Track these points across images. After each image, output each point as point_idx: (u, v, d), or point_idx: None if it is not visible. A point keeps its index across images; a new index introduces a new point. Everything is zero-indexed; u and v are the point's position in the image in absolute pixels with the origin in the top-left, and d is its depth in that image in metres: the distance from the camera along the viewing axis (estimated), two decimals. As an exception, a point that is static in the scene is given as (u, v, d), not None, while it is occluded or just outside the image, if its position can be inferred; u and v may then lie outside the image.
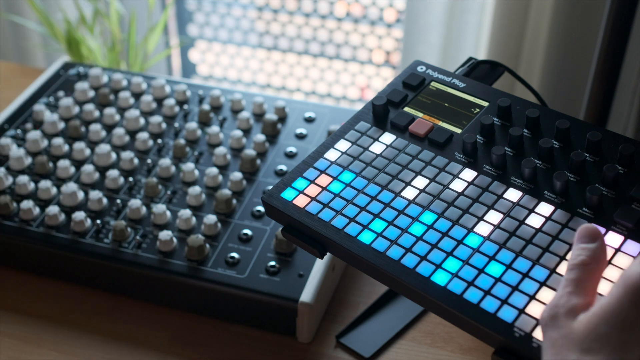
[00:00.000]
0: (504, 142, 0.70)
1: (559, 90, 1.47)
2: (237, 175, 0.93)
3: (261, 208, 0.91)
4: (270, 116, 1.01)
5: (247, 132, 1.02)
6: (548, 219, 0.64)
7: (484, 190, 0.67)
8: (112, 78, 1.11)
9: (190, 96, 1.08)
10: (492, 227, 0.64)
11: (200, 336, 0.85)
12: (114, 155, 0.98)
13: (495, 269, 0.61)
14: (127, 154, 0.96)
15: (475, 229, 0.64)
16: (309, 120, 1.04)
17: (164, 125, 1.03)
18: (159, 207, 0.89)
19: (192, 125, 1.01)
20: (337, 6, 1.98)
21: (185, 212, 0.88)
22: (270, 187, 0.70)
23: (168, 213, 0.90)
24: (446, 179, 0.68)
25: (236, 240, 0.87)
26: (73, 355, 0.83)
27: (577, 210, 0.64)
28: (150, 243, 0.87)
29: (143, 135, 0.99)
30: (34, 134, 1.00)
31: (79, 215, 0.88)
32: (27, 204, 0.90)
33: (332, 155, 0.72)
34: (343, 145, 0.73)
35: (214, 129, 1.00)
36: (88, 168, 0.95)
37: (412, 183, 0.68)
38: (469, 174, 0.68)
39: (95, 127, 1.01)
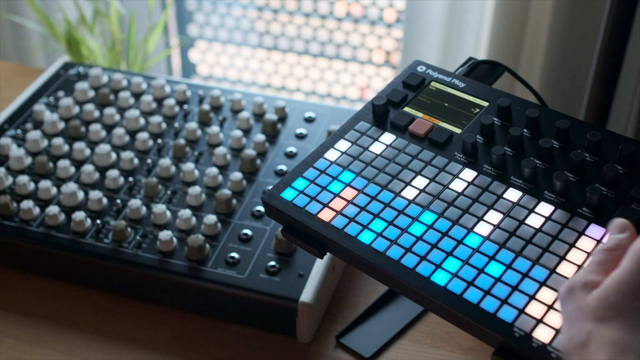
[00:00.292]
0: (504, 142, 0.70)
1: (559, 90, 1.47)
2: (237, 175, 0.93)
3: (261, 208, 0.91)
4: (270, 116, 1.01)
5: (247, 132, 1.02)
6: (548, 219, 0.64)
7: (484, 190, 0.67)
8: (112, 78, 1.11)
9: (190, 96, 1.08)
10: (492, 227, 0.64)
11: (200, 336, 0.85)
12: (114, 155, 0.98)
13: (495, 269, 0.61)
14: (127, 154, 0.96)
15: (475, 229, 0.64)
16: (309, 120, 1.04)
17: (164, 125, 1.03)
18: (159, 207, 0.89)
19: (192, 125, 1.01)
20: (337, 6, 1.98)
21: (185, 212, 0.88)
22: (270, 187, 0.70)
23: (168, 213, 0.90)
24: (446, 179, 0.68)
25: (236, 240, 0.87)
26: (73, 355, 0.83)
27: (577, 210, 0.64)
28: (150, 243, 0.87)
29: (143, 135, 0.99)
30: (34, 134, 1.00)
31: (79, 215, 0.88)
32: (27, 204, 0.90)
33: (332, 155, 0.72)
34: (343, 145, 0.73)
35: (214, 129, 1.00)
36: (88, 168, 0.95)
37: (412, 183, 0.68)
38: (469, 174, 0.68)
39: (95, 127, 1.01)
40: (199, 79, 2.21)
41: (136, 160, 0.98)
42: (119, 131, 1.00)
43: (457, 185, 0.68)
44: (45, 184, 0.93)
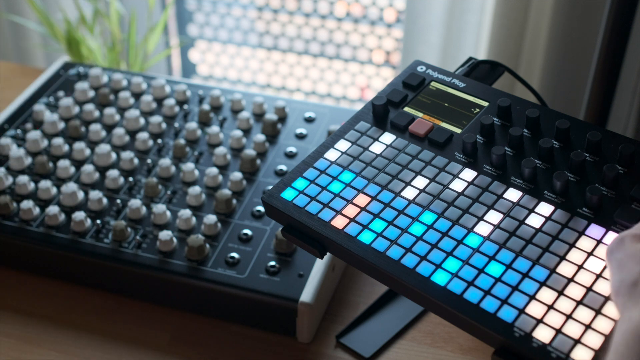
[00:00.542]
0: (504, 142, 0.70)
1: (559, 90, 1.47)
2: (237, 175, 0.93)
3: (261, 208, 0.91)
4: (270, 116, 1.01)
5: (247, 132, 1.02)
6: (548, 219, 0.64)
7: (484, 190, 0.67)
8: (112, 78, 1.11)
9: (190, 96, 1.08)
10: (492, 227, 0.64)
11: (200, 336, 0.85)
12: (114, 155, 0.98)
13: (495, 268, 0.61)
14: (127, 154, 0.96)
15: (475, 229, 0.64)
16: (309, 120, 1.04)
17: (164, 125, 1.03)
18: (159, 207, 0.89)
19: (192, 125, 1.01)
20: (337, 6, 1.98)
21: (185, 212, 0.88)
22: (270, 187, 0.70)
23: (168, 213, 0.90)
24: (446, 179, 0.68)
25: (236, 240, 0.87)
26: (73, 355, 0.83)
27: (577, 210, 0.64)
28: (150, 243, 0.87)
29: (143, 135, 0.99)
30: (34, 134, 1.00)
31: (79, 215, 0.88)
32: (27, 204, 0.90)
33: (332, 155, 0.72)
34: (343, 145, 0.73)
35: (214, 129, 1.00)
36: (88, 168, 0.95)
37: (412, 183, 0.68)
38: (469, 174, 0.68)
39: (95, 127, 1.01)
40: (199, 79, 2.21)
41: (136, 160, 0.98)
42: (119, 131, 1.00)
43: (457, 185, 0.68)
44: (45, 184, 0.93)
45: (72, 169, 0.97)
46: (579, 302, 0.58)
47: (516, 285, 0.59)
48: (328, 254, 0.68)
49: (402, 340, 0.85)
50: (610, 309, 0.57)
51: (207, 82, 1.63)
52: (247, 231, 0.88)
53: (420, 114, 0.74)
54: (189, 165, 0.94)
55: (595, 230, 0.62)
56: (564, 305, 0.58)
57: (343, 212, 0.67)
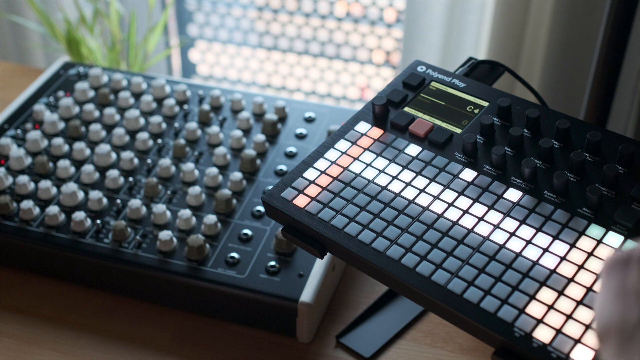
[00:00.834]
0: (504, 142, 0.70)
1: (559, 90, 1.47)
2: (237, 175, 0.93)
3: (261, 208, 0.91)
4: (270, 116, 1.01)
5: (247, 132, 1.02)
6: (548, 218, 0.64)
7: (484, 190, 0.67)
8: (112, 78, 1.11)
9: (190, 96, 1.08)
10: (492, 227, 0.64)
11: (200, 336, 0.85)
12: (114, 155, 0.98)
13: (495, 268, 0.61)
14: (127, 154, 0.96)
15: (475, 229, 0.64)
16: (309, 120, 1.04)
17: (164, 125, 1.03)
18: (159, 207, 0.89)
19: (192, 125, 1.01)
20: (337, 6, 1.98)
21: (185, 212, 0.88)
22: (270, 187, 0.70)
23: (168, 213, 0.90)
24: (446, 179, 0.68)
25: (236, 240, 0.87)
26: (73, 355, 0.83)
27: (577, 210, 0.64)
28: (150, 243, 0.87)
29: (143, 135, 0.99)
30: (34, 134, 1.00)
31: (79, 215, 0.88)
32: (27, 204, 0.90)
33: (332, 155, 0.72)
34: (343, 145, 0.73)
35: (214, 129, 1.00)
36: (88, 168, 0.95)
37: (412, 183, 0.68)
38: (469, 174, 0.68)
39: (95, 127, 1.01)
40: (199, 79, 2.21)
41: (136, 160, 0.98)
42: (119, 131, 1.00)
43: (457, 185, 0.68)
44: (45, 184, 0.93)
45: (72, 169, 0.97)
46: (579, 302, 0.58)
47: (516, 285, 0.59)
48: (328, 254, 0.68)
49: (402, 340, 0.85)
50: (610, 309, 0.57)
51: (207, 82, 1.63)
52: (247, 231, 0.88)
53: (420, 114, 0.74)
54: (189, 165, 0.94)
55: (595, 230, 0.62)
56: (564, 305, 0.58)
57: (343, 212, 0.67)
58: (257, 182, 0.94)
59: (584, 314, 0.57)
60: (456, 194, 0.67)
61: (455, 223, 0.65)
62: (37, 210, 0.91)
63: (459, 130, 0.72)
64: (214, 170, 0.93)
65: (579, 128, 0.70)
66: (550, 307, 0.58)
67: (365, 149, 0.72)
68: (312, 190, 0.69)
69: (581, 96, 1.38)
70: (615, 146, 0.67)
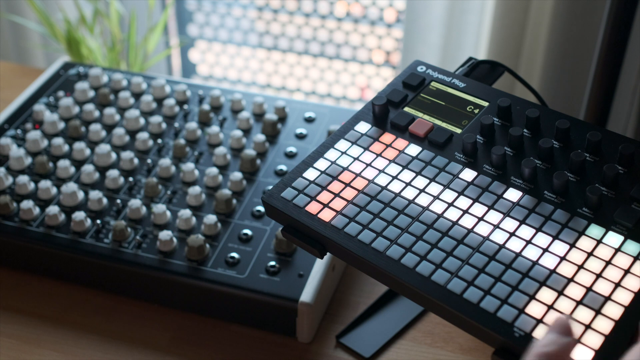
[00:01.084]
0: (504, 142, 0.70)
1: (559, 90, 1.47)
2: (237, 175, 0.93)
3: (261, 208, 0.91)
4: (270, 116, 1.01)
5: (247, 132, 1.02)
6: (548, 218, 0.64)
7: (484, 190, 0.67)
8: (112, 78, 1.11)
9: (190, 96, 1.08)
10: (492, 227, 0.64)
11: (200, 336, 0.85)
12: (114, 155, 0.98)
13: (495, 268, 0.61)
14: (127, 154, 0.96)
15: (475, 229, 0.64)
16: (309, 120, 1.04)
17: (164, 125, 1.03)
18: (159, 207, 0.89)
19: (192, 125, 1.01)
20: (337, 6, 1.98)
21: (185, 212, 0.88)
22: (270, 187, 0.70)
23: (168, 213, 0.90)
24: (446, 179, 0.68)
25: (236, 240, 0.87)
26: (73, 355, 0.83)
27: (577, 210, 0.64)
28: (150, 243, 0.87)
29: (143, 135, 0.99)
30: (34, 134, 1.00)
31: (79, 215, 0.88)
32: (27, 204, 0.90)
33: (332, 155, 0.72)
34: (343, 145, 0.73)
35: (214, 129, 1.00)
36: (88, 168, 0.95)
37: (412, 183, 0.68)
38: (469, 174, 0.68)
39: (95, 127, 1.01)
40: (199, 79, 2.21)
41: (136, 160, 0.98)
42: (119, 131, 1.00)
43: (457, 185, 0.68)
44: (45, 184, 0.93)
45: (72, 169, 0.97)
46: (579, 302, 0.58)
47: (516, 285, 0.59)
48: (328, 254, 0.68)
49: (402, 340, 0.85)
50: (610, 308, 0.57)
51: (207, 82, 1.63)
52: (247, 231, 0.88)
53: (420, 114, 0.74)
54: (189, 165, 0.94)
55: (595, 230, 0.62)
56: (564, 305, 0.58)
57: (343, 212, 0.67)
58: (257, 182, 0.94)
59: (584, 314, 0.57)
60: (456, 194, 0.67)
61: (455, 223, 0.65)
62: (37, 210, 0.91)
63: (459, 130, 0.72)
64: (214, 170, 0.93)
65: (579, 128, 0.70)
66: (550, 307, 0.58)
67: (365, 149, 0.72)
68: (312, 190, 0.69)
69: (581, 96, 1.38)
70: (615, 146, 0.67)
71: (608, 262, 0.60)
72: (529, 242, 0.62)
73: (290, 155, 0.98)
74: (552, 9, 1.39)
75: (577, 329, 0.56)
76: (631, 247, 0.60)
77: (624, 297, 0.58)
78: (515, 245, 0.62)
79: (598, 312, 0.57)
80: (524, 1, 1.43)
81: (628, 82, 1.28)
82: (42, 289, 0.90)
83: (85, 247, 0.87)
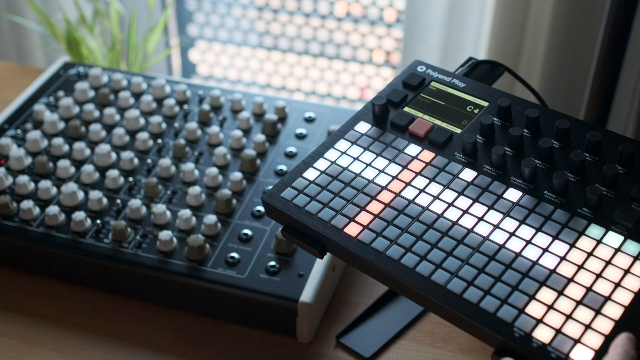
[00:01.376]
0: (504, 142, 0.70)
1: (559, 90, 1.47)
2: (237, 175, 0.93)
3: (261, 208, 0.91)
4: (270, 116, 1.01)
5: (247, 132, 1.02)
6: (548, 218, 0.64)
7: (484, 190, 0.67)
8: (112, 78, 1.11)
9: (190, 96, 1.08)
10: (491, 227, 0.64)
11: (200, 336, 0.85)
12: (114, 155, 0.98)
13: (495, 268, 0.61)
14: (127, 154, 0.96)
15: (475, 229, 0.64)
16: (309, 120, 1.04)
17: (164, 125, 1.03)
18: (159, 207, 0.89)
19: (192, 125, 1.01)
20: (337, 6, 1.98)
21: (185, 212, 0.88)
22: (270, 187, 0.70)
23: (168, 213, 0.90)
24: (446, 179, 0.68)
25: (236, 240, 0.87)
26: (73, 355, 0.83)
27: (577, 210, 0.64)
28: (150, 243, 0.87)
29: (143, 135, 0.99)
30: (34, 134, 1.00)
31: (79, 215, 0.88)
32: (27, 204, 0.90)
33: (332, 155, 0.72)
34: (343, 145, 0.73)
35: (214, 129, 1.00)
36: (88, 168, 0.95)
37: (412, 183, 0.68)
38: (469, 174, 0.68)
39: (95, 127, 1.01)
40: (199, 79, 2.21)
41: (136, 160, 0.98)
42: (119, 131, 1.00)
43: (458, 185, 0.68)
44: (45, 184, 0.93)
45: (72, 169, 0.97)
46: (579, 302, 0.58)
47: (516, 285, 0.59)
48: (328, 254, 0.68)
49: (402, 340, 0.85)
50: (610, 308, 0.57)
51: (207, 82, 1.63)
52: (247, 231, 0.88)
53: (420, 114, 0.74)
54: (189, 165, 0.94)
55: (595, 230, 0.62)
56: (564, 305, 0.58)
57: (343, 212, 0.67)
58: (257, 182, 0.94)
59: (584, 314, 0.57)
60: (456, 194, 0.67)
61: (455, 223, 0.65)
62: (37, 210, 0.91)
63: (458, 130, 0.72)
64: (214, 170, 0.93)
65: (579, 128, 0.70)
66: (550, 307, 0.58)
67: (365, 149, 0.72)
68: (312, 190, 0.69)
69: (581, 96, 1.38)
70: (615, 146, 0.67)
71: (608, 262, 0.60)
72: (529, 242, 0.62)
73: (290, 155, 0.98)
74: (552, 9, 1.39)
75: (576, 329, 0.56)
76: (631, 247, 0.60)
77: (624, 297, 0.58)
78: (515, 245, 0.62)
79: (598, 312, 0.57)
80: (524, 1, 1.43)
81: (628, 82, 1.28)
82: (42, 289, 0.90)
83: (85, 247, 0.87)
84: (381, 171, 0.70)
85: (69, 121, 1.04)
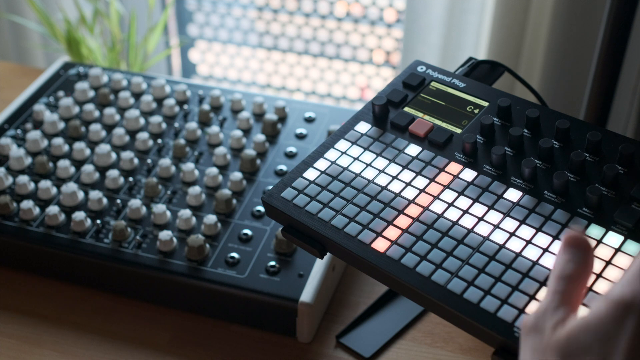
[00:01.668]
0: (504, 142, 0.70)
1: (559, 90, 1.47)
2: (237, 175, 0.93)
3: (261, 208, 0.91)
4: (270, 116, 1.01)
5: (247, 132, 1.02)
6: (548, 218, 0.64)
7: (484, 190, 0.67)
8: (112, 78, 1.11)
9: (190, 96, 1.08)
10: (492, 227, 0.64)
11: (200, 336, 0.85)
12: (114, 155, 0.98)
13: (495, 268, 0.61)
14: (127, 154, 0.96)
15: (475, 229, 0.64)
16: (309, 120, 1.04)
17: (164, 125, 1.03)
18: (159, 207, 0.89)
19: (192, 125, 1.01)
20: (337, 6, 1.98)
21: (185, 212, 0.88)
22: (270, 187, 0.70)
23: (168, 213, 0.90)
24: (446, 179, 0.68)
25: (236, 240, 0.87)
26: (73, 355, 0.83)
27: (577, 210, 0.64)
28: (150, 243, 0.87)
29: (143, 135, 0.99)
30: (34, 134, 1.00)
31: (79, 215, 0.88)
32: (27, 204, 0.90)
33: (332, 155, 0.72)
34: (343, 145, 0.73)
35: (214, 129, 1.00)
36: (88, 168, 0.95)
37: (412, 183, 0.68)
38: (469, 174, 0.68)
39: (95, 127, 1.01)
40: (199, 79, 2.21)
41: (136, 160, 0.98)
42: (119, 131, 1.00)
43: (457, 185, 0.67)
44: (45, 184, 0.93)
45: (72, 169, 0.97)
46: (579, 302, 0.58)
47: (516, 285, 0.59)
48: (328, 254, 0.68)
49: (402, 340, 0.85)
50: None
51: (207, 82, 1.63)
52: (247, 231, 0.88)
53: (420, 114, 0.74)
54: (189, 165, 0.94)
55: (595, 230, 0.62)
56: (564, 305, 0.58)
57: (343, 212, 0.67)
58: (257, 182, 0.94)
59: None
60: (456, 194, 0.67)
61: (455, 223, 0.65)
62: (37, 210, 0.91)
63: (459, 130, 0.72)
64: (214, 170, 0.93)
65: (579, 128, 0.70)
66: (550, 307, 0.58)
67: (365, 149, 0.72)
68: (312, 190, 0.69)
69: (581, 96, 1.38)
70: (615, 146, 0.67)
71: (608, 262, 0.60)
72: (529, 242, 0.62)
73: (290, 155, 0.98)
74: (552, 9, 1.39)
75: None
76: (631, 247, 0.60)
77: (624, 297, 0.58)
78: (515, 245, 0.62)
79: (598, 312, 0.57)
80: (524, 1, 1.43)
81: (628, 82, 1.28)
82: (42, 289, 0.90)
83: (85, 247, 0.87)
84: (381, 171, 0.70)
85: (69, 121, 1.04)
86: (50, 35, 1.70)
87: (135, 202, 0.90)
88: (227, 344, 0.84)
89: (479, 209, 0.65)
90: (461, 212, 0.65)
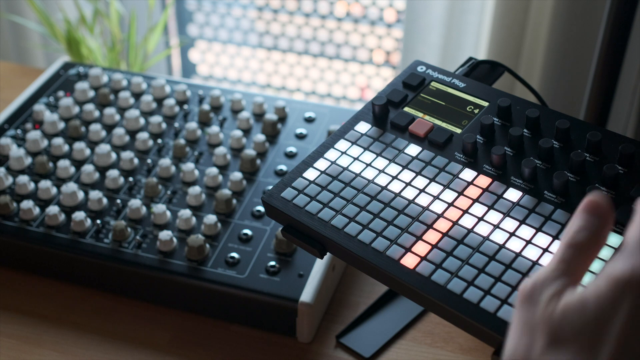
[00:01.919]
0: (504, 142, 0.70)
1: (559, 90, 1.47)
2: (237, 175, 0.93)
3: (261, 208, 0.91)
4: (270, 116, 1.01)
5: (247, 132, 1.02)
6: (548, 218, 0.64)
7: (484, 190, 0.67)
8: (112, 78, 1.11)
9: (190, 96, 1.08)
10: (492, 227, 0.64)
11: (200, 336, 0.85)
12: (114, 155, 0.98)
13: (495, 268, 0.61)
14: (127, 154, 0.96)
15: (475, 229, 0.64)
16: (309, 120, 1.04)
17: (164, 125, 1.03)
18: (159, 207, 0.89)
19: (192, 125, 1.01)
20: (337, 6, 1.98)
21: (185, 212, 0.88)
22: (270, 187, 0.70)
23: (168, 213, 0.90)
24: (446, 179, 0.68)
25: (236, 240, 0.87)
26: (73, 355, 0.83)
27: (577, 210, 0.64)
28: (150, 243, 0.87)
29: (143, 135, 0.99)
30: (34, 134, 1.00)
31: (79, 215, 0.88)
32: (27, 204, 0.90)
33: (332, 155, 0.72)
34: (343, 145, 0.73)
35: (214, 129, 1.00)
36: (88, 168, 0.95)
37: (412, 183, 0.68)
38: (469, 174, 0.68)
39: (95, 127, 1.01)
40: (199, 79, 2.21)
41: (136, 160, 0.98)
42: (119, 131, 1.00)
43: (457, 185, 0.67)
44: (45, 184, 0.93)
45: (72, 169, 0.97)
46: (579, 302, 0.58)
47: (516, 285, 0.59)
48: (328, 254, 0.68)
49: (402, 340, 0.85)
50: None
51: (207, 82, 1.63)
52: (247, 231, 0.88)
53: (420, 114, 0.74)
54: (189, 165, 0.94)
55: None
56: (564, 305, 0.58)
57: (343, 212, 0.67)
58: (257, 182, 0.94)
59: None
60: (456, 194, 0.67)
61: (455, 223, 0.65)
62: (37, 210, 0.91)
63: (459, 130, 0.72)
64: (214, 170, 0.93)
65: (579, 128, 0.70)
66: (550, 307, 0.58)
67: (365, 149, 0.72)
68: (312, 190, 0.69)
69: (581, 96, 1.38)
70: (615, 146, 0.67)
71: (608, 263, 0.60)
72: (529, 242, 0.62)
73: (290, 155, 0.98)
74: (552, 9, 1.39)
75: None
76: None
77: (624, 297, 0.58)
78: (515, 245, 0.62)
79: (598, 312, 0.57)
80: (524, 1, 1.43)
81: (628, 82, 1.28)
82: (42, 289, 0.90)
83: (85, 247, 0.87)
84: (381, 171, 0.70)
85: (69, 121, 1.04)
86: (50, 35, 1.70)
87: (135, 202, 0.90)
88: (227, 344, 0.84)
89: (478, 209, 0.65)
90: (461, 212, 0.65)
